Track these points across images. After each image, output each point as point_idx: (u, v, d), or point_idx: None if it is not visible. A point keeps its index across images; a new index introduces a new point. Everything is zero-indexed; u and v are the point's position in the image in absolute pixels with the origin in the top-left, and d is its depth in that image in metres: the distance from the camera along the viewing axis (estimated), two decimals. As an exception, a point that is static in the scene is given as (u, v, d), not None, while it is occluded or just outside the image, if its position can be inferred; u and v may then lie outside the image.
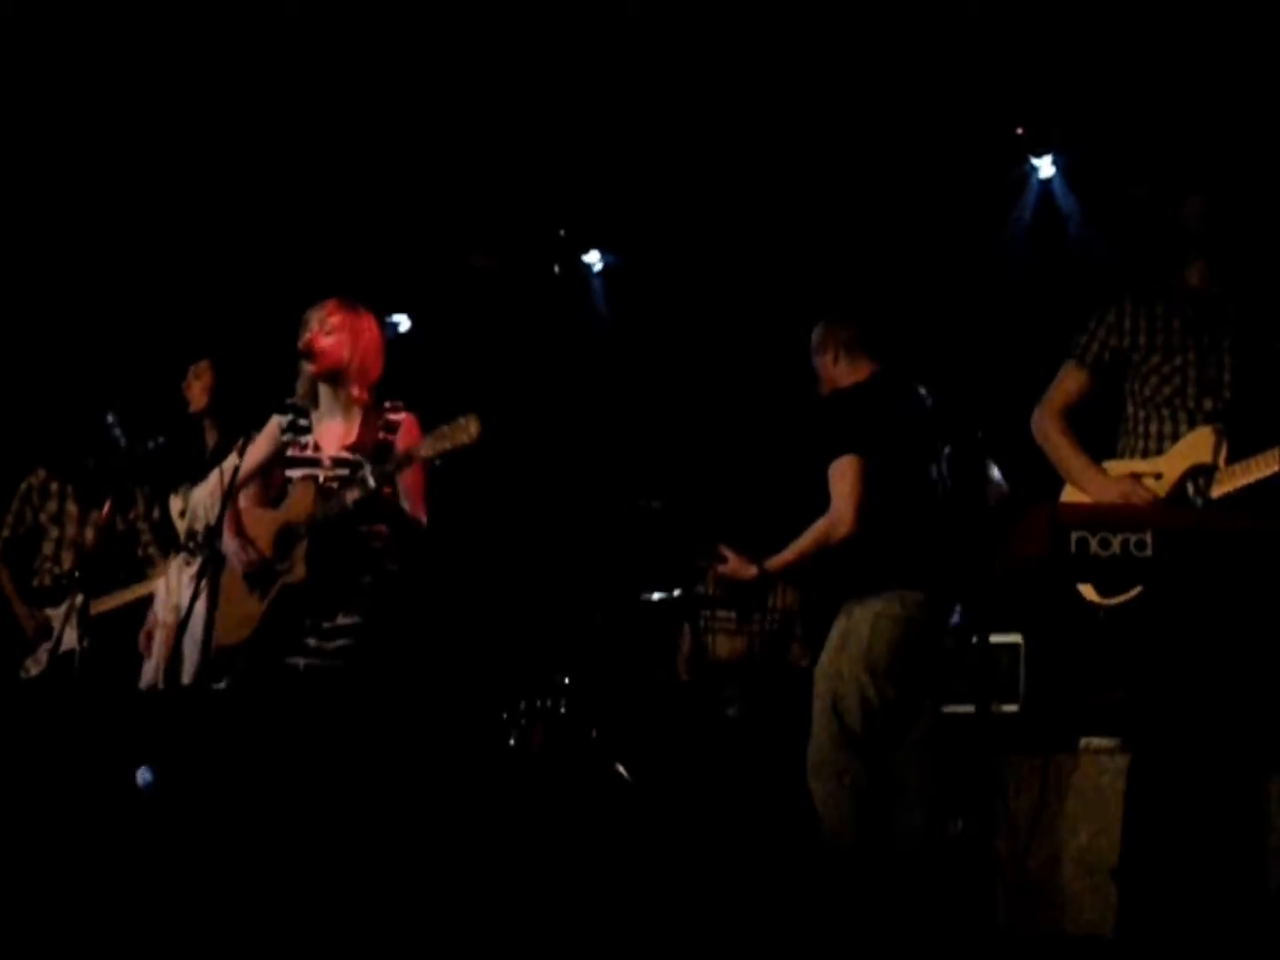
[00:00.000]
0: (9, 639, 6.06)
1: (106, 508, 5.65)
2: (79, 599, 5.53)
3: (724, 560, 4.82)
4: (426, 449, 4.21)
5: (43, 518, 6.13)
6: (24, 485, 6.18)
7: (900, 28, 6.30)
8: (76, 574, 5.83)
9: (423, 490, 4.55)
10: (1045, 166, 6.94)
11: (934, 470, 4.76)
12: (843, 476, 4.60)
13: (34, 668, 5.91)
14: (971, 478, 4.80)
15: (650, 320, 7.99)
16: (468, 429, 4.11)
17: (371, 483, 4.27)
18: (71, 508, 6.10)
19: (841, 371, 4.88)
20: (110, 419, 5.64)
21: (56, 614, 5.87)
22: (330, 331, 4.60)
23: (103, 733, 5.35)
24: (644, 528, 4.95)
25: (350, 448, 4.55)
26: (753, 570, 4.77)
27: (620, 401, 7.82)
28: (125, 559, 5.71)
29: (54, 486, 6.15)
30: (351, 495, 4.32)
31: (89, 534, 5.99)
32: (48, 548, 6.09)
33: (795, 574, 4.98)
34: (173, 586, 5.41)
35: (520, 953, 4.57)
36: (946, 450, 4.83)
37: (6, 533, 6.16)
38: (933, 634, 4.62)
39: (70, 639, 5.51)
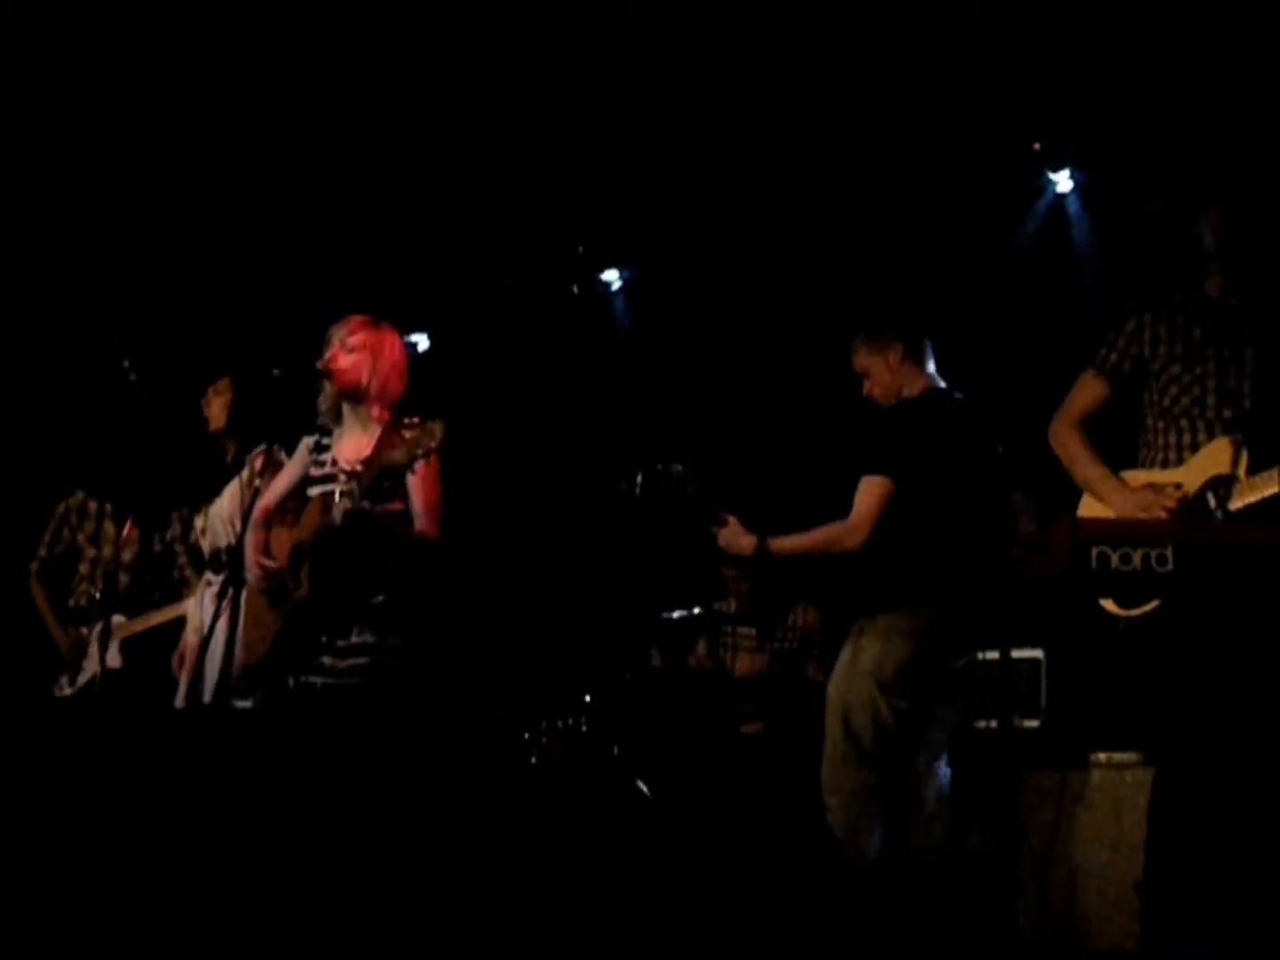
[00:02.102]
0: (46, 658, 6.17)
1: (128, 526, 5.77)
2: (115, 619, 5.77)
3: (723, 524, 4.76)
4: (398, 456, 4.26)
5: (80, 538, 6.24)
6: (62, 506, 6.30)
7: (921, 43, 6.31)
8: (96, 595, 5.91)
9: (435, 505, 4.55)
10: (1063, 181, 6.94)
11: (968, 490, 4.71)
12: (869, 494, 4.60)
13: (67, 686, 6.02)
14: (997, 495, 4.77)
15: (670, 333, 8.01)
16: (433, 431, 4.18)
17: (358, 495, 4.31)
18: (109, 528, 6.19)
19: (896, 383, 4.87)
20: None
21: (91, 633, 5.98)
22: (351, 350, 4.61)
23: (127, 752, 5.38)
24: (662, 492, 4.91)
25: (362, 462, 4.57)
26: (751, 540, 4.72)
27: (643, 414, 7.82)
28: (161, 580, 5.79)
29: (92, 507, 6.27)
30: (339, 509, 4.36)
31: (124, 554, 6.06)
32: (84, 568, 6.20)
33: (788, 564, 4.94)
34: (204, 608, 5.45)
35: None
36: (992, 462, 4.79)
37: (44, 552, 6.28)
38: (944, 652, 4.61)
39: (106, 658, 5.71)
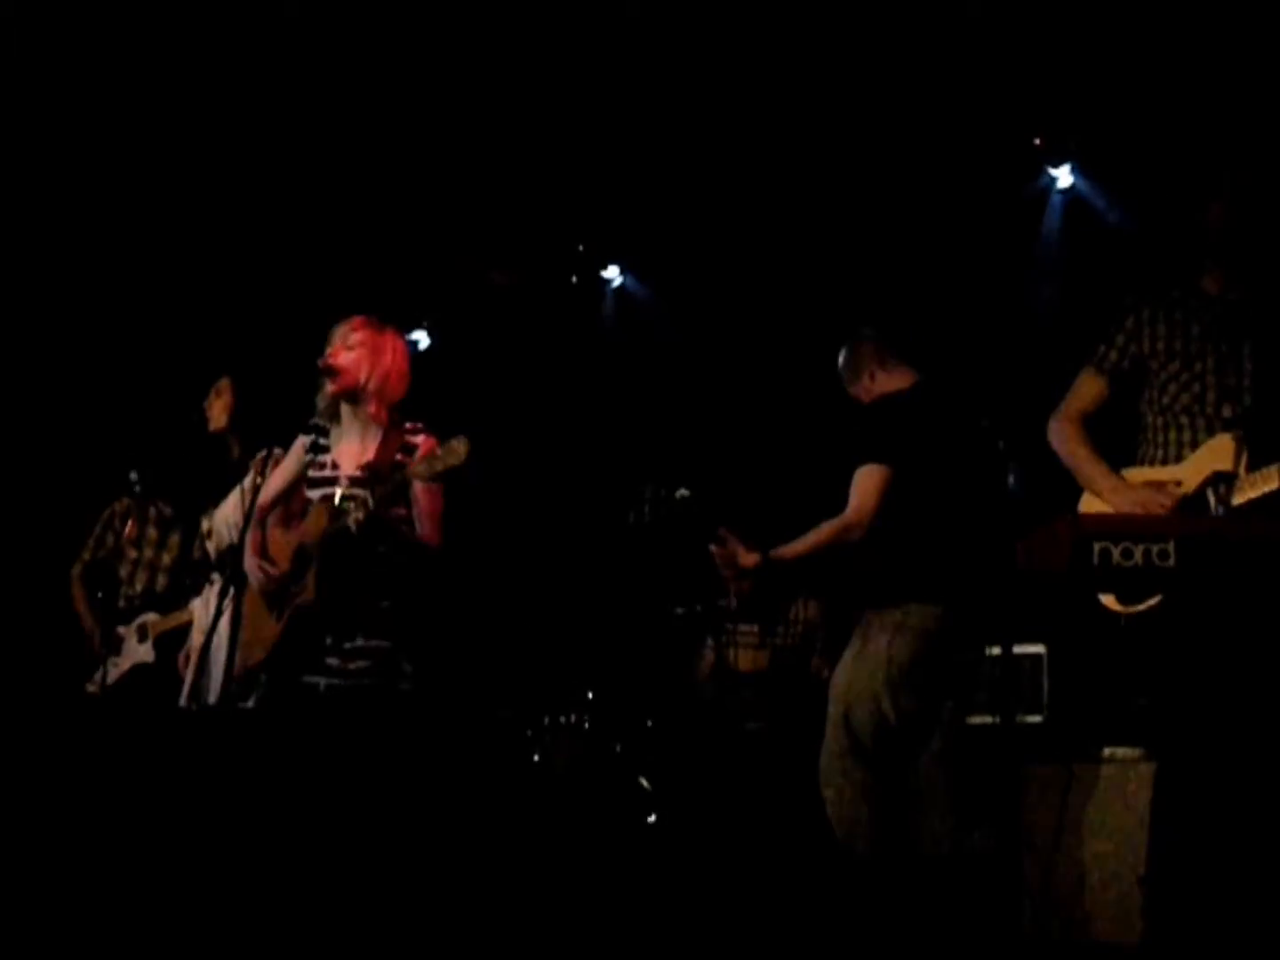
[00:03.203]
0: (85, 656, 6.34)
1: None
2: (150, 617, 6.12)
3: (723, 543, 4.67)
4: (421, 471, 4.27)
5: (122, 540, 6.39)
6: (108, 511, 6.49)
7: (920, 40, 6.32)
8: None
9: (438, 512, 4.55)
10: (1064, 176, 6.94)
11: (966, 482, 4.70)
12: (865, 483, 4.58)
13: (100, 684, 6.16)
14: (995, 488, 4.77)
15: (672, 331, 8.02)
16: (457, 450, 4.17)
17: (371, 504, 4.30)
18: (151, 532, 6.35)
19: (881, 383, 4.86)
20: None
21: (128, 630, 6.20)
22: (351, 348, 4.60)
23: (135, 750, 5.42)
24: (670, 517, 4.90)
25: (365, 466, 4.56)
26: (754, 558, 4.63)
27: (641, 412, 7.83)
28: (199, 583, 5.91)
29: (135, 511, 6.40)
30: (354, 517, 4.33)
31: (164, 557, 6.28)
32: (124, 569, 6.33)
33: (796, 570, 4.91)
34: (210, 609, 5.49)
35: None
36: (984, 459, 4.78)
37: (87, 555, 6.47)
38: (951, 647, 4.60)
39: (140, 654, 6.06)
